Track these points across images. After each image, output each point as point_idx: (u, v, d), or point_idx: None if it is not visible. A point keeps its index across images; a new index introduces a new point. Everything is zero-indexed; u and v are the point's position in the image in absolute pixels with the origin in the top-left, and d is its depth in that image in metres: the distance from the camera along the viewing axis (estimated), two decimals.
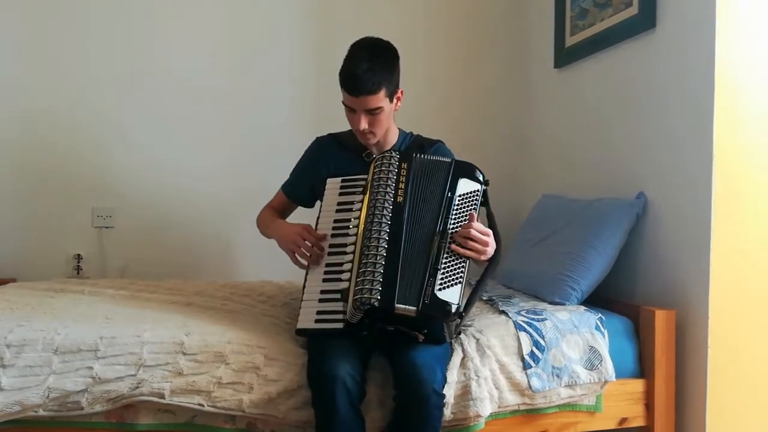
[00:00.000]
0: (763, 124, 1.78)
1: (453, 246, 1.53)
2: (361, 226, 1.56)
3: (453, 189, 1.59)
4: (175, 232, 2.64)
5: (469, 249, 1.53)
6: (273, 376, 1.51)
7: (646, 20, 2.01)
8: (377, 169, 1.61)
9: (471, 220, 1.55)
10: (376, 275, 1.46)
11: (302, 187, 1.91)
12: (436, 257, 1.51)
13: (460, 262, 1.53)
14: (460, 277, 1.52)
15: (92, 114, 2.57)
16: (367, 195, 1.60)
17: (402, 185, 1.59)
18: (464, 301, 1.51)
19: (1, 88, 2.50)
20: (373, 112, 1.69)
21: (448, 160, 1.65)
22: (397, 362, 1.50)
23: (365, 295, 1.44)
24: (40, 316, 1.65)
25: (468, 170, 1.63)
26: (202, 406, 1.47)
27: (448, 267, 1.51)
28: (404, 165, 1.61)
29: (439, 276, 1.49)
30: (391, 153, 1.64)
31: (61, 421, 1.46)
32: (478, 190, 1.62)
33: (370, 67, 1.65)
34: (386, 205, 1.55)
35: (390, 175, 1.59)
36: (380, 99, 1.68)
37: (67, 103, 2.55)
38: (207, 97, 2.66)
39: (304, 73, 2.69)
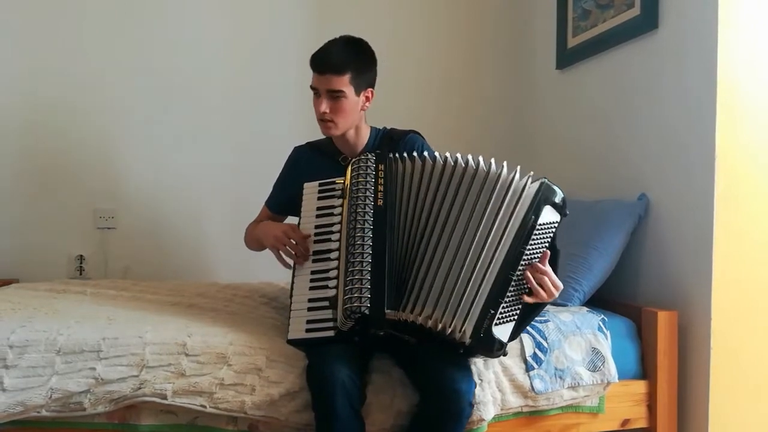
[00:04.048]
0: (765, 125, 1.78)
1: (530, 286, 1.44)
2: (344, 232, 1.54)
3: (537, 214, 1.44)
4: (176, 233, 2.65)
5: (536, 294, 1.45)
6: (275, 378, 1.50)
7: (648, 21, 2.01)
8: (354, 173, 1.58)
9: (544, 258, 1.45)
10: (364, 282, 1.45)
11: (284, 198, 1.88)
12: (501, 288, 1.43)
13: (519, 298, 1.46)
14: (516, 313, 1.46)
15: (94, 115, 2.57)
16: (347, 200, 1.57)
17: (381, 188, 1.55)
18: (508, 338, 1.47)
19: (3, 90, 2.50)
20: (335, 95, 1.67)
21: (542, 178, 1.48)
22: (429, 371, 1.46)
23: (355, 304, 1.43)
24: (42, 317, 1.65)
25: (555, 197, 1.47)
26: (204, 407, 1.46)
27: (509, 301, 1.45)
28: (381, 167, 1.58)
29: (500, 309, 1.43)
30: (368, 156, 1.60)
31: (63, 422, 1.46)
32: (557, 223, 1.49)
33: (341, 49, 1.68)
34: (367, 209, 1.52)
35: (368, 179, 1.55)
36: (343, 82, 1.66)
37: (69, 105, 2.55)
38: (209, 98, 2.66)
39: (306, 78, 2.68)
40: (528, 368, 1.65)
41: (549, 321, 1.74)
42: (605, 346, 1.74)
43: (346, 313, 1.44)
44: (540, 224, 1.45)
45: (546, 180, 1.48)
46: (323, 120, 1.71)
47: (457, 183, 1.51)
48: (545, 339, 1.69)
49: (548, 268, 1.46)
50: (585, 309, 1.85)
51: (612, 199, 2.13)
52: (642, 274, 2.03)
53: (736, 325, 1.77)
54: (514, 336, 1.49)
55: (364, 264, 1.47)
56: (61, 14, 2.53)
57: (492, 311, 1.42)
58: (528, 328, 1.69)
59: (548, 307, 1.86)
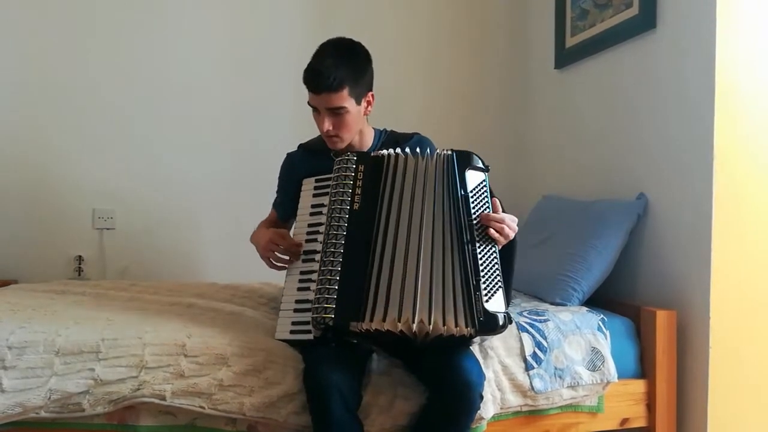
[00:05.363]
0: (764, 124, 1.78)
1: (489, 231, 1.45)
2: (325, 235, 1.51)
3: (464, 185, 1.49)
4: (175, 233, 2.65)
5: (504, 236, 1.47)
6: (274, 379, 1.50)
7: (646, 21, 2.02)
8: (336, 173, 1.55)
9: (495, 208, 1.49)
10: (331, 292, 1.43)
11: (287, 204, 1.84)
12: (474, 267, 1.42)
13: (494, 263, 1.45)
14: (499, 280, 1.44)
15: (93, 116, 2.57)
16: (329, 200, 1.55)
17: (359, 191, 1.51)
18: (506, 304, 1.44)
19: (2, 90, 2.50)
20: (336, 112, 1.60)
21: (447, 151, 1.53)
22: (439, 364, 1.43)
23: (321, 314, 1.42)
24: (41, 318, 1.64)
25: (470, 159, 1.52)
26: (204, 408, 1.46)
27: (486, 272, 1.43)
28: (361, 168, 1.53)
29: (482, 286, 1.40)
30: (348, 155, 1.56)
31: (62, 423, 1.46)
32: (484, 180, 1.53)
33: (333, 63, 1.57)
34: (342, 214, 1.49)
35: (347, 181, 1.52)
36: (343, 98, 1.58)
37: (69, 107, 2.55)
38: (208, 103, 2.67)
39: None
40: (528, 367, 1.65)
41: (549, 320, 1.74)
42: (605, 345, 1.74)
43: (313, 322, 1.44)
44: (471, 190, 1.49)
45: (454, 149, 1.53)
46: (328, 136, 1.66)
47: (412, 178, 1.52)
48: (545, 338, 1.69)
49: (500, 214, 1.48)
50: (585, 309, 1.85)
51: (611, 199, 2.13)
52: (641, 273, 2.04)
53: (735, 323, 1.77)
54: (508, 300, 1.47)
55: (333, 273, 1.45)
56: (63, 19, 2.53)
57: (477, 292, 1.39)
58: (528, 327, 1.70)
59: (548, 306, 1.88)
